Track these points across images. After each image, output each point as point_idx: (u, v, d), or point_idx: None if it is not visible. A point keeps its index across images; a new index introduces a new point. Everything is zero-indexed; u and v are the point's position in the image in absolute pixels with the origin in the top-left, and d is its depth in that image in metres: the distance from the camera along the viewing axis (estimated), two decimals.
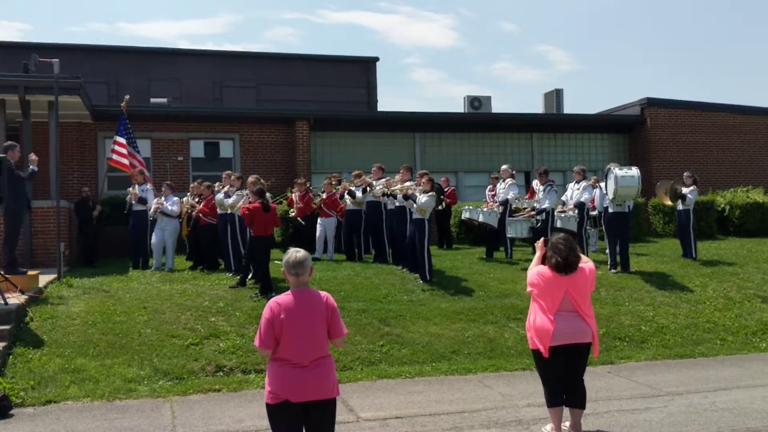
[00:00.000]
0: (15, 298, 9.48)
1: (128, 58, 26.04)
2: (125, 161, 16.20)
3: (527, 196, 15.10)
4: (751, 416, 6.76)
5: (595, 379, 8.00)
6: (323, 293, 4.63)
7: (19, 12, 71.61)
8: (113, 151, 16.44)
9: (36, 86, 14.50)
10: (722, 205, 19.16)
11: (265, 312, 4.49)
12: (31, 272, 11.01)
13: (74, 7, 71.12)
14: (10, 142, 10.91)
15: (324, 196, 14.70)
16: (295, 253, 4.59)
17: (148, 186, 14.61)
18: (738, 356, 9.48)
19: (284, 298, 4.51)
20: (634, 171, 12.93)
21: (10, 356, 8.27)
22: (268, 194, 11.79)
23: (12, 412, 7.11)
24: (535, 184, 15.72)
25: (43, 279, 11.39)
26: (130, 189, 14.44)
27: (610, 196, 12.97)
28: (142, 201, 14.16)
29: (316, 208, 14.77)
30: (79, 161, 18.70)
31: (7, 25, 65.67)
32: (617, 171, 12.82)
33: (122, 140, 16.33)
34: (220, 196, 12.74)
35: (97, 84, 23.14)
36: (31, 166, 10.88)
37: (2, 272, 9.93)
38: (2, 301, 9.04)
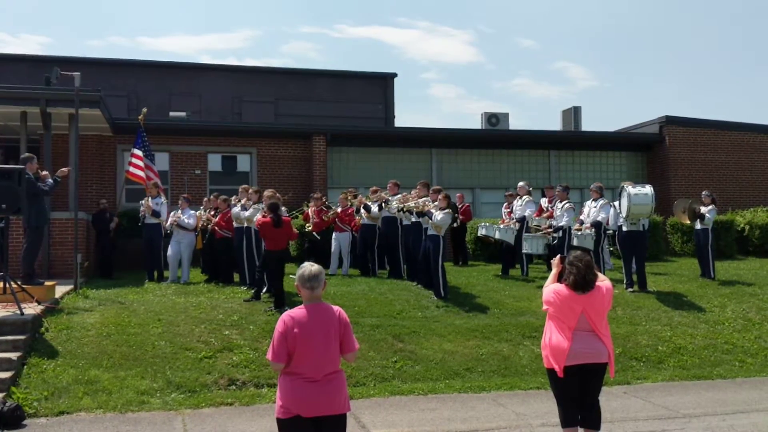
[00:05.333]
0: (31, 309, 9.53)
1: (149, 73, 26.28)
2: (141, 173, 16.28)
3: (536, 214, 14.98)
4: None
5: (610, 399, 7.91)
6: (336, 308, 4.62)
7: (40, 25, 72.77)
8: (130, 163, 16.56)
9: (57, 99, 14.65)
10: (742, 225, 18.97)
11: (278, 325, 4.48)
12: (48, 283, 11.08)
13: (94, 21, 72.09)
14: (27, 154, 10.93)
15: (339, 210, 14.71)
16: (309, 267, 4.60)
17: (162, 199, 14.68)
18: (757, 378, 9.34)
19: (297, 311, 4.50)
20: (648, 189, 12.83)
21: (25, 366, 8.32)
22: (283, 208, 11.81)
23: (25, 422, 7.14)
24: (544, 201, 15.62)
25: (60, 290, 11.46)
26: (143, 201, 14.52)
27: (624, 214, 12.87)
28: (156, 214, 14.21)
29: (328, 222, 14.77)
30: (98, 173, 18.87)
31: (29, 39, 66.71)
32: (630, 189, 12.74)
33: (139, 152, 16.45)
34: (236, 209, 12.77)
35: (117, 98, 23.36)
36: (51, 179, 10.84)
37: (19, 282, 10.00)
38: (18, 312, 9.11)
